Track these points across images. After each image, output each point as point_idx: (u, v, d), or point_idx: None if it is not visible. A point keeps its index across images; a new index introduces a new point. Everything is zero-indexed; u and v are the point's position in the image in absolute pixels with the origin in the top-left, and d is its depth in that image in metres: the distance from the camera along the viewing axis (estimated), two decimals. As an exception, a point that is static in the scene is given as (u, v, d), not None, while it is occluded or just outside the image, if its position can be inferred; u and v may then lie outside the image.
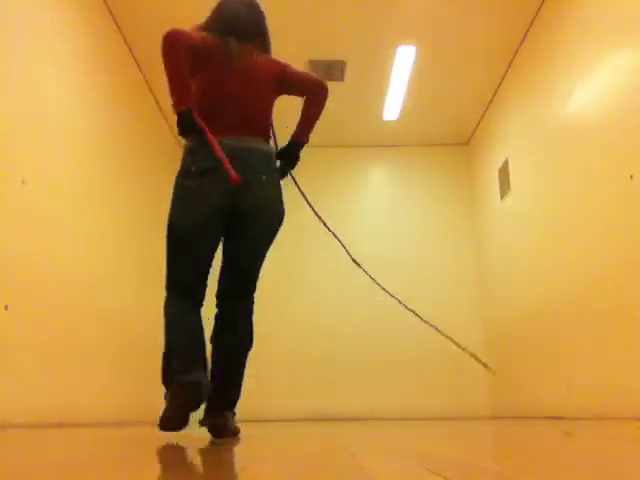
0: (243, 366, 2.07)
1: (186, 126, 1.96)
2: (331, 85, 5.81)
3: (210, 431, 1.93)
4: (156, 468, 0.98)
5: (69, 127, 4.09)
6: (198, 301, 2.07)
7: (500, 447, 1.46)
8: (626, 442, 1.47)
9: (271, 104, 2.23)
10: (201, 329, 2.02)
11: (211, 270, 2.09)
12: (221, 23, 2.17)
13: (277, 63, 2.28)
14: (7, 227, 3.24)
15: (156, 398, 6.09)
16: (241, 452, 1.39)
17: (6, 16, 3.28)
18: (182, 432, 1.81)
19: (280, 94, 2.30)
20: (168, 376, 1.89)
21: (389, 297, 6.71)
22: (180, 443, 1.78)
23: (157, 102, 6.09)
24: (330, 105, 7.16)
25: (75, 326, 4.10)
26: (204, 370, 1.92)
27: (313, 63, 5.51)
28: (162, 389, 1.98)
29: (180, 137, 2.08)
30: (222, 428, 1.92)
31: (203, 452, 1.36)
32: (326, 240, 7.16)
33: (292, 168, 2.34)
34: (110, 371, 4.76)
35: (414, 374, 6.25)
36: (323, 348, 6.39)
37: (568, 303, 4.17)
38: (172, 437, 2.11)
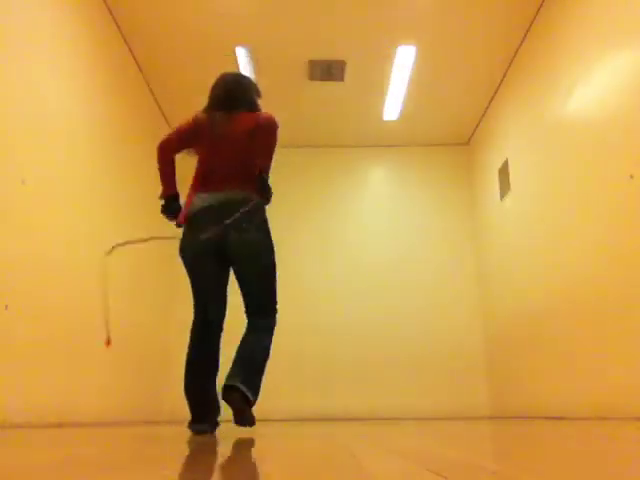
0: (264, 360, 2.39)
1: (168, 209, 2.56)
2: (331, 85, 5.86)
3: (225, 397, 2.23)
4: (157, 467, 0.98)
5: (69, 127, 4.09)
6: (215, 324, 2.44)
7: (500, 447, 1.46)
8: (626, 442, 1.47)
9: (256, 155, 2.53)
10: (214, 357, 2.42)
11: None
12: (212, 100, 2.64)
13: (254, 117, 2.56)
14: (7, 227, 3.24)
15: (155, 398, 6.11)
16: (241, 452, 1.39)
17: (6, 17, 3.28)
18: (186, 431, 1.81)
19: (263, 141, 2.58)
20: (189, 401, 2.34)
21: (388, 298, 6.70)
22: (182, 442, 1.78)
23: (157, 102, 6.09)
24: (330, 105, 7.15)
25: (75, 326, 4.10)
26: (212, 413, 2.34)
27: (313, 63, 5.51)
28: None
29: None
30: (239, 397, 2.20)
31: (204, 452, 1.36)
32: (324, 241, 7.15)
33: (262, 197, 2.54)
34: (110, 371, 4.76)
35: (414, 374, 6.26)
36: (323, 348, 6.39)
37: (568, 303, 4.17)
38: (174, 436, 2.11)
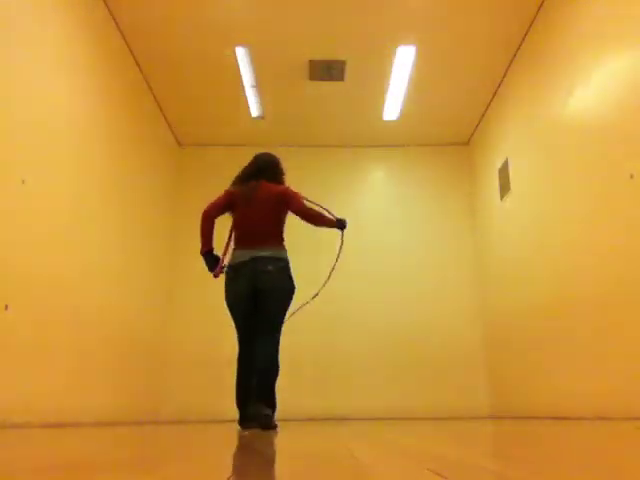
0: (275, 376, 3.09)
1: (207, 262, 3.20)
2: (331, 85, 5.86)
3: (253, 417, 2.94)
4: (157, 467, 0.98)
5: (69, 127, 4.09)
6: (250, 344, 3.14)
7: (500, 447, 1.46)
8: (626, 442, 1.47)
9: (280, 220, 3.21)
10: (252, 361, 3.10)
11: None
12: (247, 173, 3.31)
13: (280, 190, 3.21)
14: (7, 227, 3.24)
15: (155, 398, 6.10)
16: (241, 452, 1.39)
17: (7, 17, 3.28)
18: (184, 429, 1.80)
19: (287, 210, 3.22)
20: (237, 405, 3.09)
21: (388, 298, 6.70)
22: (182, 442, 1.78)
23: (157, 102, 6.09)
24: (330, 105, 7.15)
25: (75, 326, 4.10)
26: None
27: (313, 63, 5.51)
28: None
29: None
30: (263, 417, 2.86)
31: (204, 452, 1.36)
32: (324, 241, 7.16)
33: (341, 229, 3.31)
34: (110, 371, 4.76)
35: (414, 374, 6.25)
36: (322, 348, 6.39)
37: (568, 303, 4.17)
38: (173, 436, 2.11)
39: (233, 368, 3.20)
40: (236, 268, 3.09)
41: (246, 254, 3.08)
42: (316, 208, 3.19)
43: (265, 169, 3.30)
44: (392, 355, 6.34)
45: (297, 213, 3.14)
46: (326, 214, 3.22)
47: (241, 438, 2.04)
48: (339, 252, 3.53)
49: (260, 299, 3.07)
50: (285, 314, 3.12)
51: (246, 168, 3.32)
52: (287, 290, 3.10)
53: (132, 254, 5.35)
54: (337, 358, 6.37)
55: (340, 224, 3.25)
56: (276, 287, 3.07)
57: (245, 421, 3.04)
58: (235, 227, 3.23)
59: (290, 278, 3.11)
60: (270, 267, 3.04)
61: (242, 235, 3.16)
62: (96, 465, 1.00)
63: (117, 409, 4.86)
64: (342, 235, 3.39)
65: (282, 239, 3.20)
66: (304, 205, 3.13)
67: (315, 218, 3.16)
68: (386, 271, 6.71)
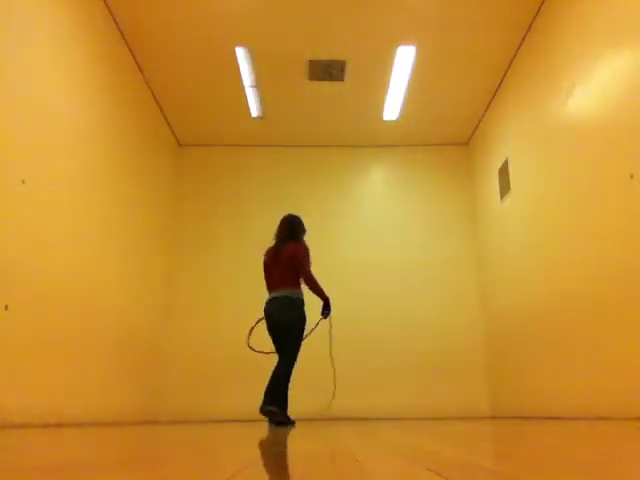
0: (282, 384, 3.79)
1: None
2: (331, 85, 5.87)
3: (262, 413, 3.72)
4: (156, 467, 0.98)
5: (69, 127, 4.09)
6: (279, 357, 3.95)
7: (500, 447, 1.46)
8: (626, 442, 1.47)
9: (296, 270, 4.01)
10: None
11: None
12: (275, 235, 4.20)
13: (294, 248, 4.03)
14: (7, 227, 3.24)
15: (155, 398, 6.09)
16: (240, 452, 1.39)
17: (6, 17, 3.28)
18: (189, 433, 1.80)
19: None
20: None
21: (388, 298, 6.66)
22: (182, 442, 1.78)
23: (157, 102, 6.09)
24: (330, 105, 7.16)
25: (75, 326, 4.10)
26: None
27: (313, 63, 5.50)
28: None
29: None
30: (267, 412, 3.65)
31: (200, 453, 1.36)
32: (324, 241, 7.15)
33: (326, 313, 4.24)
34: (110, 371, 4.76)
35: (414, 374, 6.25)
36: (322, 348, 6.38)
37: (568, 303, 4.17)
38: (173, 436, 2.11)
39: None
40: (267, 306, 4.05)
41: (272, 294, 4.03)
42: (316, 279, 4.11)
43: (290, 232, 4.15)
44: (392, 355, 6.34)
45: (301, 275, 4.02)
46: (320, 287, 4.10)
47: (241, 438, 2.05)
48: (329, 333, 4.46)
49: (276, 329, 3.94)
50: (296, 338, 3.93)
51: (278, 231, 4.20)
52: (294, 319, 3.91)
53: (132, 254, 5.35)
54: (336, 358, 6.36)
55: (327, 305, 4.18)
56: (284, 320, 3.91)
57: (263, 409, 3.77)
58: (267, 275, 4.16)
59: (299, 311, 3.93)
60: (282, 304, 3.92)
61: (270, 282, 4.13)
62: (96, 465, 1.00)
63: (117, 409, 4.85)
64: (327, 319, 4.29)
65: (297, 281, 4.02)
66: (308, 272, 3.99)
67: (311, 286, 4.03)
68: (385, 270, 6.70)
